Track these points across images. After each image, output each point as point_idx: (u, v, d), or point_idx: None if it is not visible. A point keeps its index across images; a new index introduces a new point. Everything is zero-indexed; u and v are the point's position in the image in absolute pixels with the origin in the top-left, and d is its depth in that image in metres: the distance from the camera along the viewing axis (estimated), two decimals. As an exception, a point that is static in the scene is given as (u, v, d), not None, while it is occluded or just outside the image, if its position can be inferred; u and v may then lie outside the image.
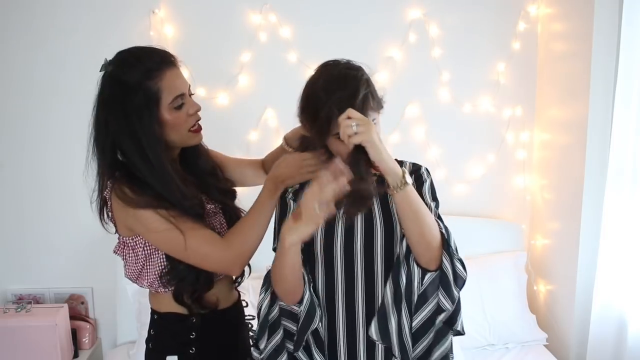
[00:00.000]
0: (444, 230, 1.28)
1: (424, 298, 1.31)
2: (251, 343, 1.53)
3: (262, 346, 1.39)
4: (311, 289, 1.33)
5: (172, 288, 1.41)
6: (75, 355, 2.42)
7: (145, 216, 1.30)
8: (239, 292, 1.62)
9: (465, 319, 1.39)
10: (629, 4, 2.10)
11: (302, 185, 1.36)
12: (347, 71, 1.25)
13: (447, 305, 1.31)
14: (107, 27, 2.39)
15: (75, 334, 2.42)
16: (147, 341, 1.54)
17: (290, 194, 1.37)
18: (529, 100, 2.69)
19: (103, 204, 1.40)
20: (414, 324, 1.31)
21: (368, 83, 1.25)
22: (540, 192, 2.71)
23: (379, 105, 1.28)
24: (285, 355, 1.38)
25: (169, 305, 1.44)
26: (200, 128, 1.40)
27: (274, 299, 1.37)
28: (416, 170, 1.37)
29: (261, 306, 1.38)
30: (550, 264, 2.65)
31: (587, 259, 2.36)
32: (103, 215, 1.42)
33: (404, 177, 1.20)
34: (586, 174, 2.33)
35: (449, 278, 1.28)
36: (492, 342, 2.44)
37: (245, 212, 1.48)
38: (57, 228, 2.51)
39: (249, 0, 2.45)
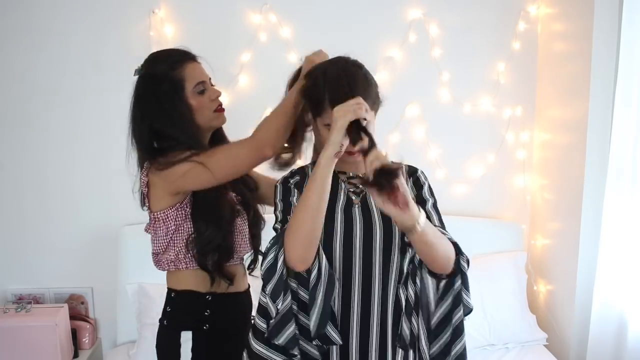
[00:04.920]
0: (451, 237, 1.32)
1: (439, 302, 1.34)
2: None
3: (279, 306, 1.27)
4: (325, 258, 1.28)
5: (196, 252, 1.52)
6: (75, 355, 2.42)
7: (175, 169, 1.45)
8: (248, 284, 1.71)
9: (465, 319, 1.41)
10: (629, 4, 2.10)
11: (303, 179, 1.38)
12: (349, 66, 1.31)
13: (472, 303, 1.36)
14: (107, 27, 2.39)
15: (75, 334, 2.42)
16: (162, 319, 1.61)
17: (293, 184, 1.36)
18: (529, 100, 2.69)
19: (143, 191, 1.56)
20: (432, 322, 1.34)
21: (367, 80, 1.30)
22: (540, 192, 2.71)
23: (374, 104, 1.30)
24: (293, 326, 1.28)
25: (187, 282, 1.56)
26: (223, 108, 1.57)
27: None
28: (413, 173, 1.40)
29: (274, 265, 1.25)
30: (550, 264, 2.65)
31: (587, 259, 2.36)
32: (144, 202, 1.59)
33: (418, 220, 1.18)
34: (586, 174, 2.33)
35: (467, 278, 1.34)
36: (492, 342, 2.44)
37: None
38: (57, 228, 2.51)
39: (249, 0, 2.45)
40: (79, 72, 2.41)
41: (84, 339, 2.49)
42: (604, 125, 2.27)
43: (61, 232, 2.51)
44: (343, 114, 1.19)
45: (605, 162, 2.22)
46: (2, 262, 2.51)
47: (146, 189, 1.53)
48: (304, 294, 1.29)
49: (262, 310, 1.32)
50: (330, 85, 1.26)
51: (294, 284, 1.30)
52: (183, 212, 1.52)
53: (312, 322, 1.27)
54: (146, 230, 1.59)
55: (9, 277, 2.52)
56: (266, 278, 1.27)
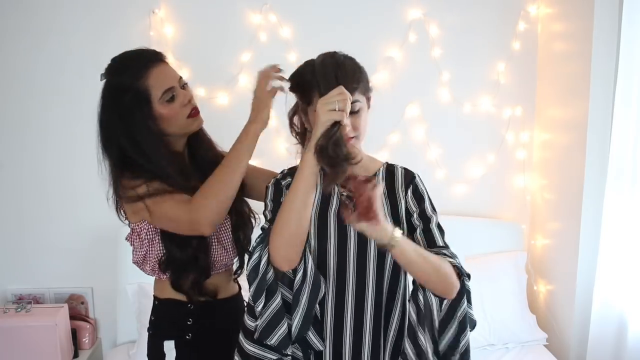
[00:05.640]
0: (454, 260, 1.28)
1: (444, 323, 1.30)
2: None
3: (258, 308, 1.26)
4: (312, 260, 1.27)
5: (170, 275, 1.47)
6: (75, 355, 2.42)
7: (128, 202, 1.41)
8: (239, 285, 1.66)
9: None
10: (629, 4, 2.10)
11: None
12: (338, 55, 1.29)
13: (474, 315, 1.35)
14: (107, 27, 2.39)
15: (75, 334, 2.42)
16: (148, 328, 1.59)
17: (285, 186, 1.35)
18: (529, 100, 2.69)
19: (117, 198, 1.49)
20: (440, 347, 1.31)
21: (359, 68, 1.29)
22: (540, 192, 2.71)
23: (366, 90, 1.29)
24: (285, 325, 1.28)
25: (169, 291, 1.50)
26: (197, 112, 1.47)
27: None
28: (411, 180, 1.35)
29: (257, 264, 1.25)
30: (550, 264, 2.65)
31: (587, 259, 2.36)
32: (119, 209, 1.51)
33: (393, 235, 1.18)
34: (586, 174, 2.33)
35: (470, 295, 1.32)
36: (492, 342, 2.44)
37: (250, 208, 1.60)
38: (57, 228, 2.51)
39: (249, 0, 2.45)
40: (78, 72, 2.41)
41: (84, 339, 2.49)
42: (604, 125, 2.27)
43: (61, 232, 2.51)
44: (326, 109, 1.16)
45: (605, 162, 2.22)
46: (2, 262, 2.51)
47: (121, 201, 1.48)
48: (288, 294, 1.28)
49: (251, 310, 1.31)
50: (318, 71, 1.24)
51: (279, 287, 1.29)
52: (153, 226, 1.46)
53: (295, 324, 1.26)
54: (126, 239, 1.53)
55: (9, 277, 2.52)
56: (250, 278, 1.27)
